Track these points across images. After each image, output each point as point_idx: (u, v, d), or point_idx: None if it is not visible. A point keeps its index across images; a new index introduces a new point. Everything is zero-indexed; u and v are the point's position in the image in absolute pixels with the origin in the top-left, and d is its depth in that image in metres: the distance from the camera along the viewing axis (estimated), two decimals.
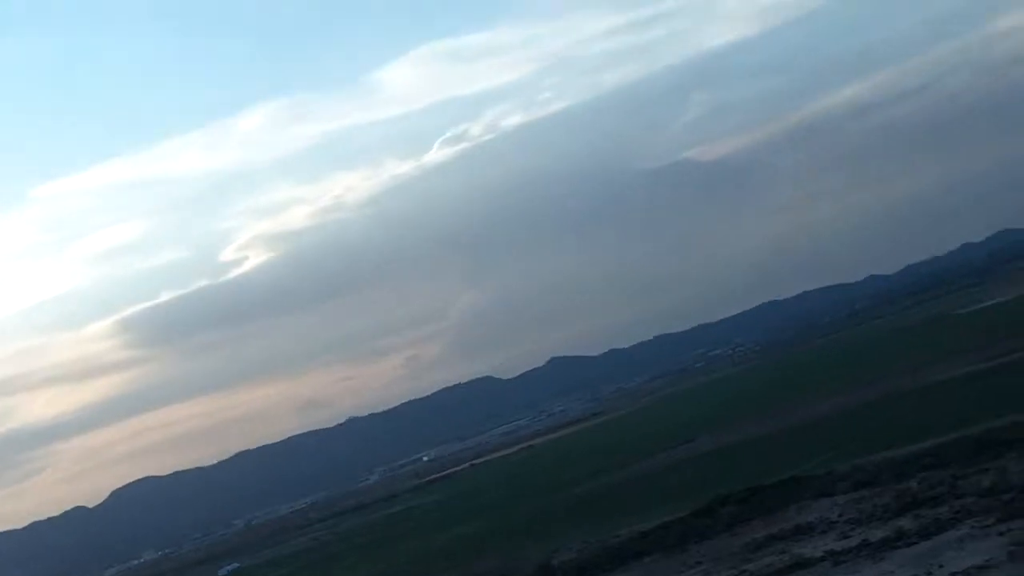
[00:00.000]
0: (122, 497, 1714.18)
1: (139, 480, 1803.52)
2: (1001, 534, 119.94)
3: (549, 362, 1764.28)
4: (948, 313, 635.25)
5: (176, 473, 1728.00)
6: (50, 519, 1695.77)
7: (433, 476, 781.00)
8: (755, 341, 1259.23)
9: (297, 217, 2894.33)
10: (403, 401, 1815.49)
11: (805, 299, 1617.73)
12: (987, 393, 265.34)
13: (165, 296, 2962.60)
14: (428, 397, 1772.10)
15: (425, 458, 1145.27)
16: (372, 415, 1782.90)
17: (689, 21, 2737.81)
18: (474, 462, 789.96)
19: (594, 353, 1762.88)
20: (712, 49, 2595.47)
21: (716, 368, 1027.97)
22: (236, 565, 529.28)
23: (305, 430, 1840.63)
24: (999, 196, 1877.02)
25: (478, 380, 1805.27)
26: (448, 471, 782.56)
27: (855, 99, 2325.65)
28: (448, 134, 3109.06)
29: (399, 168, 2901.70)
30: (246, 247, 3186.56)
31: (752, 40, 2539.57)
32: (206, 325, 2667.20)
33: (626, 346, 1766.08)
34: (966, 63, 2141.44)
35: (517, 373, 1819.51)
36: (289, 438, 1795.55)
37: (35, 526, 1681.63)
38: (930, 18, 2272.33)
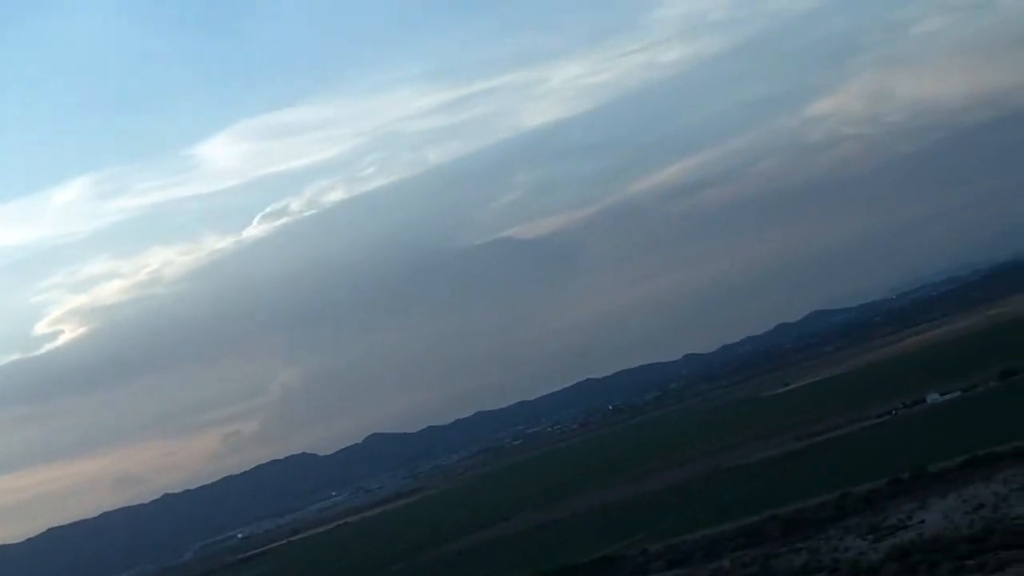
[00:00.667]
0: None
1: None
2: None
3: (367, 438, 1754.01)
4: (758, 395, 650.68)
5: None
6: None
7: (249, 553, 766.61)
8: (573, 418, 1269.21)
9: (113, 291, 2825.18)
10: (220, 477, 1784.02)
11: (622, 377, 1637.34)
12: (798, 473, 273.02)
13: None
14: (245, 473, 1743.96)
15: (240, 535, 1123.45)
16: (188, 491, 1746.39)
17: (512, 100, 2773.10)
18: (291, 539, 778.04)
19: (412, 430, 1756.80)
20: (534, 128, 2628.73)
21: (534, 445, 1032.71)
22: None
23: (119, 506, 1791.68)
24: (813, 278, 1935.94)
25: (296, 456, 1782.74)
26: (264, 547, 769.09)
27: (674, 180, 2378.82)
28: (269, 209, 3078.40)
29: (218, 243, 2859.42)
30: (60, 321, 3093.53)
31: (574, 120, 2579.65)
32: (18, 399, 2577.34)
33: (445, 423, 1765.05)
34: (782, 146, 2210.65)
35: (335, 449, 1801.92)
36: (103, 514, 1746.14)
37: None
38: (747, 102, 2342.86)
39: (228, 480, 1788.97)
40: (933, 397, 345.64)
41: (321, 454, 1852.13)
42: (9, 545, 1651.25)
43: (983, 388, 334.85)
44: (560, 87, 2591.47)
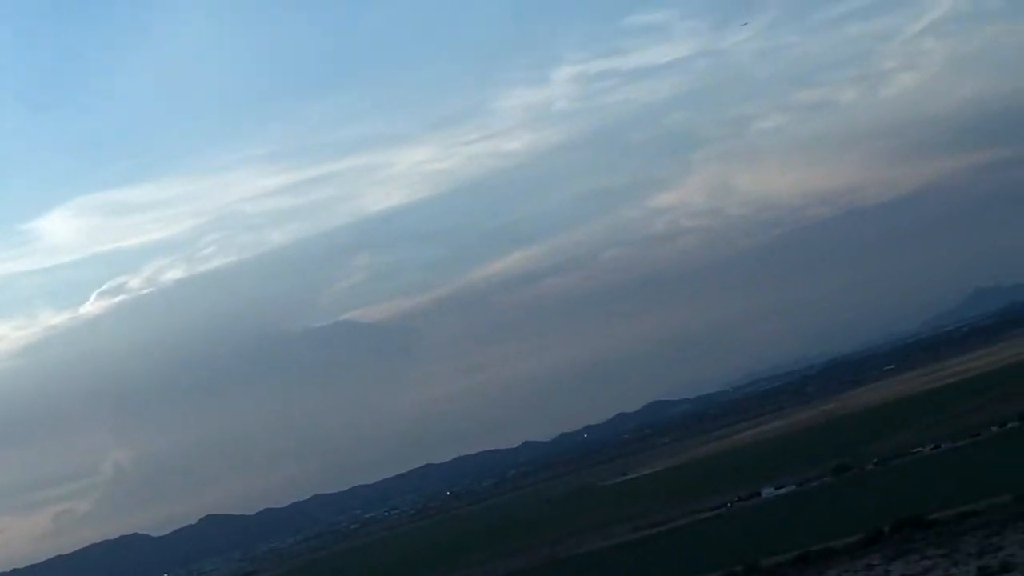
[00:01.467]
0: None
1: None
2: None
3: (202, 520, 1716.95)
4: (596, 484, 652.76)
5: None
6: None
7: None
8: (411, 504, 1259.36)
9: None
10: (50, 556, 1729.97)
11: (461, 463, 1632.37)
12: (633, 566, 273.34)
13: None
14: (75, 553, 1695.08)
15: None
16: (16, 570, 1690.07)
17: (356, 184, 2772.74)
18: None
19: (248, 512, 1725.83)
20: (377, 212, 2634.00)
21: (371, 531, 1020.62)
22: None
23: None
24: (653, 368, 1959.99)
25: (128, 536, 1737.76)
26: None
27: (516, 268, 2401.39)
28: (106, 286, 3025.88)
29: (54, 319, 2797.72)
30: None
31: (417, 205, 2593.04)
32: None
33: (281, 505, 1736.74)
34: (626, 238, 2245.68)
35: (168, 530, 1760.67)
36: None
37: None
38: (591, 192, 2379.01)
39: (58, 559, 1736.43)
40: (768, 491, 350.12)
41: (154, 535, 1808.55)
42: None
43: (817, 483, 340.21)
44: (404, 172, 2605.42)
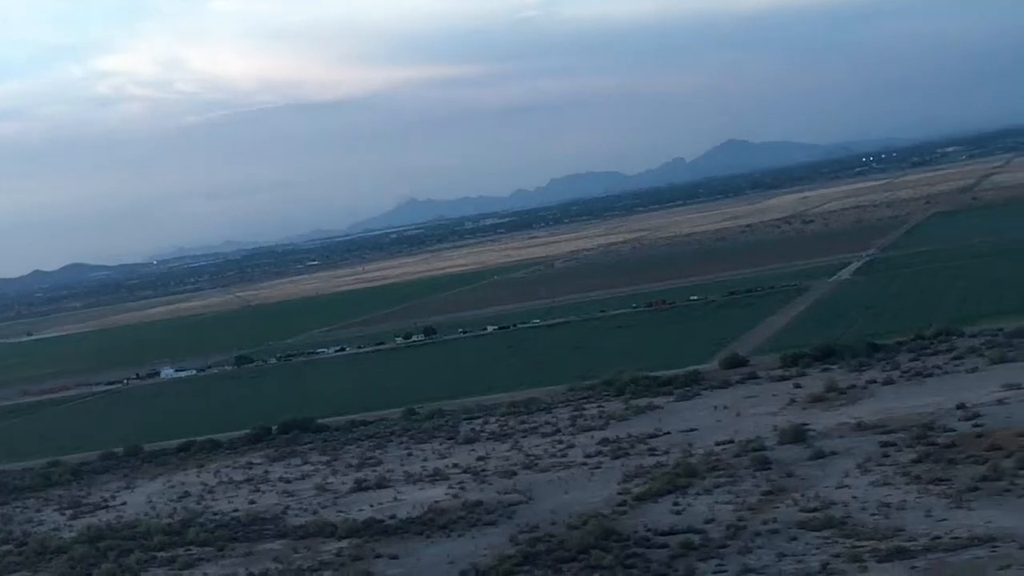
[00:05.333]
0: None
1: None
2: None
3: None
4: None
5: None
6: None
7: None
8: None
9: None
10: None
11: None
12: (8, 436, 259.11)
13: None
14: None
15: None
16: None
17: None
18: None
19: None
20: None
21: None
22: None
23: None
24: (77, 230, 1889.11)
25: None
26: None
27: None
28: None
29: None
30: None
31: None
32: None
33: None
34: (70, 96, 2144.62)
35: None
36: None
37: None
38: (35, 43, 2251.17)
39: None
40: (167, 372, 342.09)
41: None
42: None
43: (217, 371, 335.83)
44: None
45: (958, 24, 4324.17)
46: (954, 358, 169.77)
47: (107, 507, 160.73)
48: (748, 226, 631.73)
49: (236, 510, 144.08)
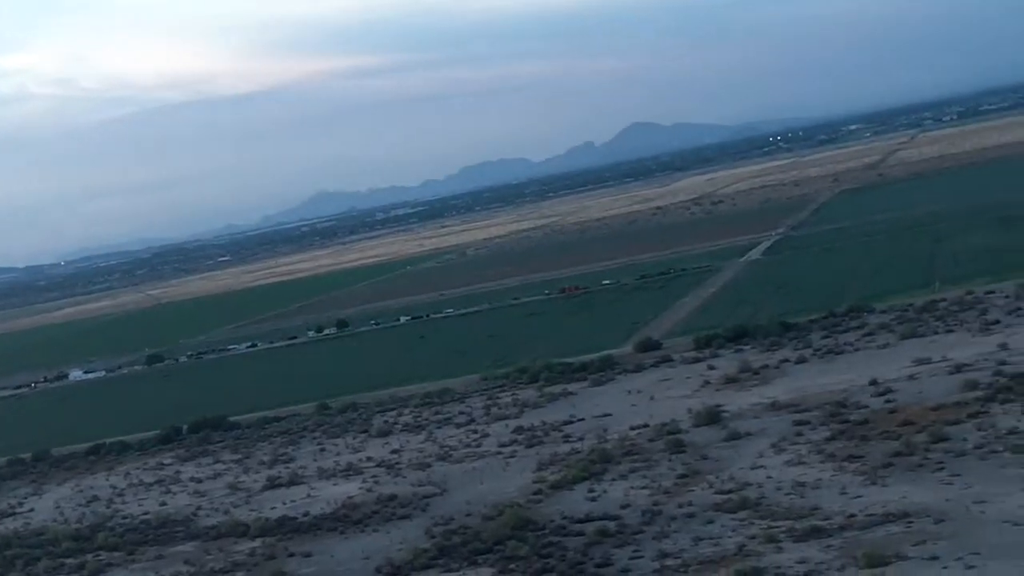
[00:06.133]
0: None
1: None
2: None
3: None
4: None
5: None
6: None
7: None
8: None
9: None
10: None
11: None
12: None
13: None
14: None
15: None
16: None
17: None
18: None
19: None
20: None
21: None
22: None
23: None
24: None
25: None
26: None
27: None
28: None
29: None
30: None
31: None
32: None
33: None
34: None
35: None
36: None
37: None
38: None
39: None
40: (76, 374, 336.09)
41: None
42: None
43: (128, 371, 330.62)
44: None
45: (856, 3, 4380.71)
46: (865, 335, 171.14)
47: (14, 514, 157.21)
48: (659, 209, 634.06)
49: (146, 513, 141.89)
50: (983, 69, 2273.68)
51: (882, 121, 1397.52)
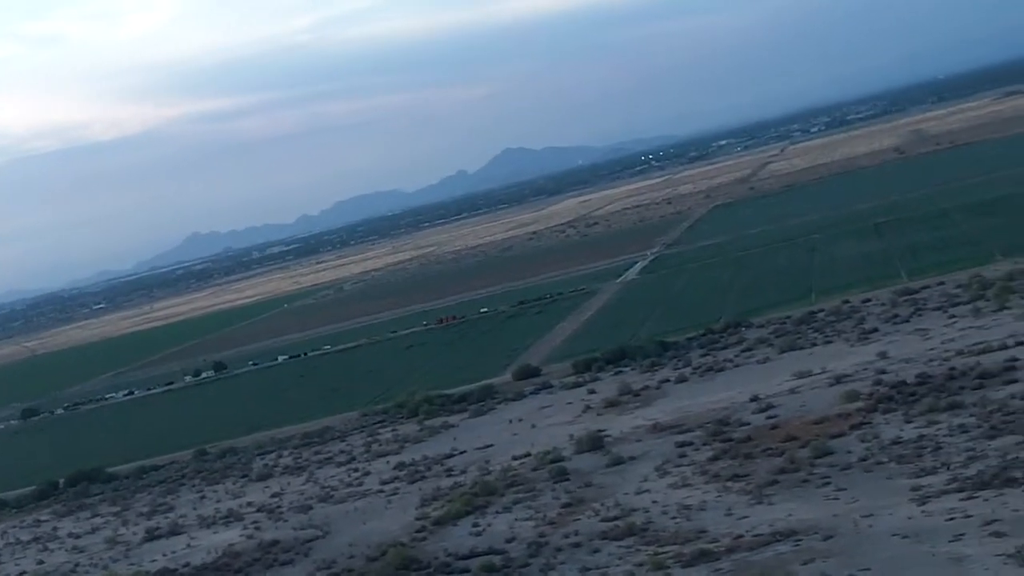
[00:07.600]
0: None
1: None
2: None
3: None
4: None
5: None
6: None
7: None
8: None
9: None
10: None
11: None
12: None
13: None
14: None
15: None
16: None
17: None
18: None
19: None
20: None
21: None
22: None
23: None
24: None
25: None
26: None
27: None
28: None
29: None
30: None
31: None
32: None
33: None
34: None
35: None
36: None
37: None
38: None
39: None
40: None
41: None
42: None
43: (3, 425, 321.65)
44: None
45: (712, 20, 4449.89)
46: (744, 350, 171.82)
47: None
48: (534, 233, 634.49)
49: (23, 572, 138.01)
50: (850, 75, 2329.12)
51: (751, 135, 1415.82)
